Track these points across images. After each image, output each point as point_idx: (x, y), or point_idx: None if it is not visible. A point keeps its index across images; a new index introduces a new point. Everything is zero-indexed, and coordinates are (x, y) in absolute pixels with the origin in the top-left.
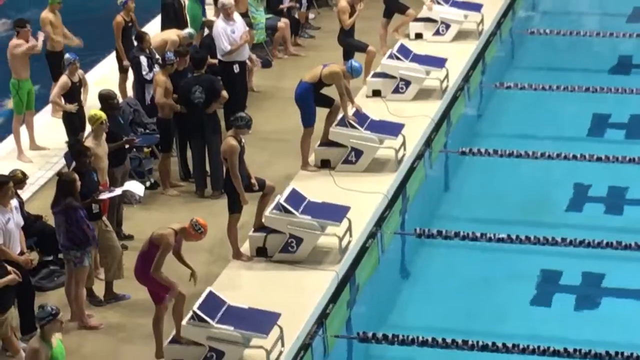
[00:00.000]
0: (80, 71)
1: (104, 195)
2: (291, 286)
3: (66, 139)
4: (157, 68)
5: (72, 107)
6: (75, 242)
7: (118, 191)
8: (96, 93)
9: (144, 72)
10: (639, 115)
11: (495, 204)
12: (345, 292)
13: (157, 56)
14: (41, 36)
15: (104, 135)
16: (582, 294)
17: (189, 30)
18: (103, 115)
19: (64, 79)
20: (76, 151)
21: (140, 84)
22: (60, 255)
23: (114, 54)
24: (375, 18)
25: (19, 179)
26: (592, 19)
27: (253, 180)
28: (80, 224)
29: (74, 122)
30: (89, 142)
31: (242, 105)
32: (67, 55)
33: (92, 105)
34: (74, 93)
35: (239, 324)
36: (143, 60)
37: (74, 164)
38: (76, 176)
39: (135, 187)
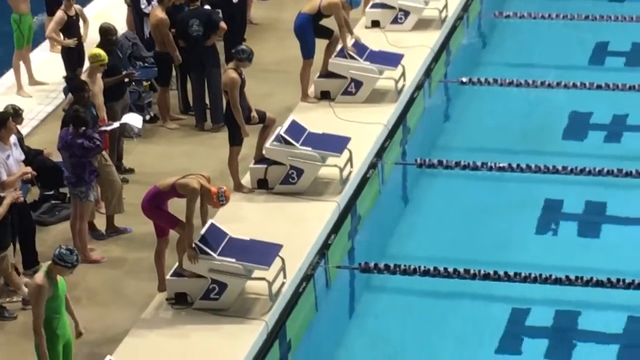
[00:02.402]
0: (77, 6)
1: (102, 129)
2: (292, 217)
3: (64, 73)
4: (155, 2)
5: (69, 42)
6: (82, 177)
7: (116, 124)
8: (95, 28)
9: (142, 6)
10: (639, 43)
11: (496, 133)
12: (346, 223)
13: None
14: None
15: (99, 74)
16: (583, 222)
17: None
18: (105, 58)
19: (59, 14)
20: (74, 86)
21: (139, 17)
22: (62, 190)
23: None
24: None
25: (9, 114)
26: None
27: (253, 113)
28: (91, 140)
29: (72, 57)
30: (83, 79)
31: (241, 37)
32: None
33: (92, 40)
34: (71, 27)
35: (240, 256)
36: None
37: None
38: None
39: (133, 119)
